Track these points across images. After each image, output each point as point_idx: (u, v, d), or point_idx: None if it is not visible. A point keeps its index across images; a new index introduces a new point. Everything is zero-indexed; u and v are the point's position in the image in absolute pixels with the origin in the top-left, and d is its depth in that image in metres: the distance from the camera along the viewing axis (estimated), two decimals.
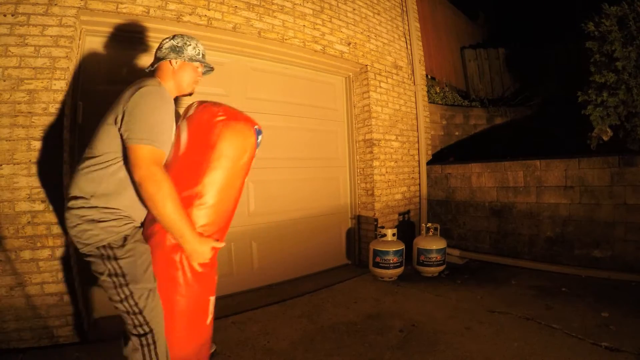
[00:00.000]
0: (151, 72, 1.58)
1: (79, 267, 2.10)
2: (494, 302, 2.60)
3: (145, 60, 2.51)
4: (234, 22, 2.68)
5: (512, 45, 6.58)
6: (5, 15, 1.90)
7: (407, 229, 3.92)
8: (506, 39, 7.03)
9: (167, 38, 1.58)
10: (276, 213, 3.18)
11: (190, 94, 1.63)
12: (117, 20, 2.26)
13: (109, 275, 1.29)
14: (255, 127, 1.51)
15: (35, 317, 1.93)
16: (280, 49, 3.04)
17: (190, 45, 1.56)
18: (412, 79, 4.14)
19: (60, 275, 1.97)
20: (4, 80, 1.88)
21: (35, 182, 1.92)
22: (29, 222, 1.91)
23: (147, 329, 1.31)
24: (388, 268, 3.13)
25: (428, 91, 4.86)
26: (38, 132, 1.93)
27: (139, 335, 1.31)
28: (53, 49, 1.98)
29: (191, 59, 1.55)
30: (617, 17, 3.34)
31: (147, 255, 1.36)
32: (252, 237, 3.04)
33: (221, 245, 1.42)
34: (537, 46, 6.25)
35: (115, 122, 1.31)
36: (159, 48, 1.57)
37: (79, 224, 1.30)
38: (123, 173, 1.33)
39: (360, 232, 3.77)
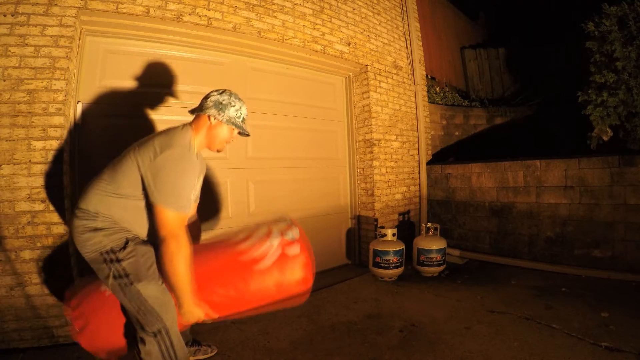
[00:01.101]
0: (194, 114, 1.59)
1: (79, 267, 2.10)
2: (494, 302, 2.60)
3: (144, 60, 2.52)
4: (234, 22, 2.68)
5: (512, 45, 6.58)
6: (5, 15, 1.90)
7: (407, 229, 3.92)
8: (506, 39, 7.03)
9: (216, 91, 1.58)
10: (276, 213, 3.16)
11: (217, 152, 1.62)
12: (117, 20, 2.26)
13: (114, 277, 1.34)
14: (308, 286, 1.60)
15: (35, 317, 1.93)
16: (280, 49, 3.04)
17: (234, 106, 1.54)
18: (412, 79, 4.14)
19: (61, 275, 1.97)
20: (4, 80, 1.88)
21: (35, 182, 1.92)
22: (29, 222, 1.91)
23: (160, 326, 1.36)
24: (388, 268, 3.13)
25: (428, 91, 4.86)
26: (38, 132, 1.93)
27: (154, 334, 1.36)
28: (53, 49, 1.98)
29: (229, 121, 1.53)
30: (617, 17, 3.34)
31: (150, 254, 1.40)
32: None
33: (215, 316, 1.47)
34: (537, 46, 6.25)
35: (139, 169, 1.37)
36: (205, 98, 1.57)
37: (82, 233, 1.37)
38: (134, 206, 1.41)
39: (360, 232, 3.77)
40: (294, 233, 1.62)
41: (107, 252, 1.35)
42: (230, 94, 1.57)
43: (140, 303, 1.34)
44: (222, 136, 1.55)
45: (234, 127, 1.55)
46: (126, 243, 1.37)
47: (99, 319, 1.43)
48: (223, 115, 1.52)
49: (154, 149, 1.37)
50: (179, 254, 1.32)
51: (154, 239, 1.43)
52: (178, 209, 1.34)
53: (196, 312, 1.40)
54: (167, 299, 1.39)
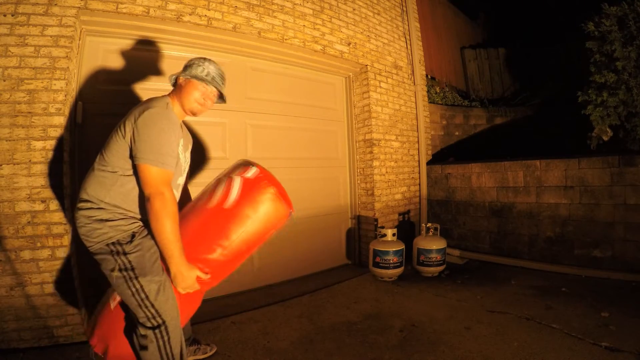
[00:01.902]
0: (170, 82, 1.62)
1: (79, 267, 2.11)
2: (494, 302, 2.60)
3: (144, 60, 2.52)
4: (234, 22, 2.68)
5: (512, 45, 6.58)
6: (5, 15, 1.90)
7: (407, 229, 3.92)
8: (506, 39, 7.04)
9: (190, 59, 1.60)
10: None
11: (193, 115, 1.61)
12: (117, 20, 2.26)
13: (120, 270, 1.35)
14: (291, 212, 1.58)
15: (35, 317, 1.93)
16: (280, 49, 3.04)
17: (200, 66, 1.55)
18: (412, 79, 4.14)
19: (61, 275, 1.97)
20: (4, 80, 1.88)
21: (35, 182, 1.92)
22: (29, 222, 1.91)
23: (160, 321, 1.36)
24: (388, 268, 3.13)
25: (428, 91, 4.86)
26: (38, 132, 1.93)
27: (153, 328, 1.36)
28: (53, 49, 1.98)
29: (194, 77, 1.54)
30: (617, 17, 3.34)
31: (154, 250, 1.41)
32: None
33: (207, 277, 1.43)
34: (537, 46, 6.26)
35: (124, 137, 1.38)
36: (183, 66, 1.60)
37: (88, 224, 1.36)
38: (131, 185, 1.40)
39: (360, 232, 3.77)
40: (253, 170, 1.55)
41: (113, 244, 1.35)
42: (199, 58, 1.59)
43: (142, 298, 1.34)
44: (193, 95, 1.54)
45: (198, 81, 1.53)
46: (133, 236, 1.38)
47: (117, 337, 1.44)
48: (188, 73, 1.54)
49: (134, 114, 1.39)
50: (165, 211, 1.30)
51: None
52: (160, 165, 1.33)
53: (187, 273, 1.35)
54: (168, 295, 1.39)
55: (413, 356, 1.90)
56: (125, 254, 1.35)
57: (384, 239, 3.23)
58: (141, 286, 1.34)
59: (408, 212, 4.01)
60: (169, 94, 1.58)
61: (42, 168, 1.93)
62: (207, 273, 1.42)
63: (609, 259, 3.00)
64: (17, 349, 1.90)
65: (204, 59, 1.59)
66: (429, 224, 3.44)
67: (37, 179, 1.92)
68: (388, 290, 2.97)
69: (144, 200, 1.39)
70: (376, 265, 3.17)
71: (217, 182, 1.57)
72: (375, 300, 2.73)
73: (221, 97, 1.65)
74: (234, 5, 2.69)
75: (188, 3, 2.46)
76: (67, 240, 1.99)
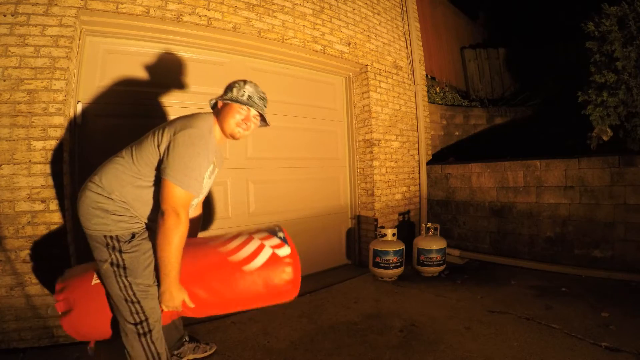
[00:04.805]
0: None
1: None
2: (494, 302, 2.60)
3: (144, 60, 2.52)
4: (234, 22, 2.68)
5: (512, 45, 6.58)
6: (5, 15, 1.90)
7: (407, 229, 3.92)
8: (506, 39, 7.04)
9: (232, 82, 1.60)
10: (276, 213, 3.18)
11: (234, 139, 1.59)
12: (117, 20, 2.26)
13: (111, 264, 1.34)
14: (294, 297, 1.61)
15: (35, 317, 1.93)
16: (280, 49, 3.04)
17: (236, 87, 1.54)
18: (412, 79, 4.14)
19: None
20: (4, 80, 1.88)
21: (35, 182, 1.92)
22: (29, 222, 1.91)
23: (143, 317, 1.37)
24: (388, 268, 3.13)
25: (428, 91, 4.86)
26: (38, 132, 1.93)
27: (135, 324, 1.36)
28: (53, 49, 1.98)
29: (231, 99, 1.52)
30: (617, 17, 3.34)
31: (150, 254, 1.40)
32: None
33: (191, 305, 1.42)
34: (537, 46, 6.26)
35: (158, 146, 1.39)
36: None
37: (92, 208, 1.36)
38: (146, 190, 1.41)
39: (360, 232, 3.77)
40: (281, 234, 1.59)
41: (111, 238, 1.35)
42: (239, 81, 1.58)
43: (129, 293, 1.34)
44: (232, 118, 1.53)
45: (237, 104, 1.52)
46: (132, 236, 1.38)
47: (85, 306, 1.42)
48: (226, 96, 1.54)
49: (176, 127, 1.39)
50: (175, 230, 1.30)
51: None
52: (185, 187, 1.33)
53: (176, 294, 1.35)
54: (153, 294, 1.39)
55: (413, 356, 1.90)
56: (121, 251, 1.34)
57: (384, 239, 3.23)
58: (130, 284, 1.34)
59: (408, 212, 4.01)
60: (214, 115, 1.56)
61: (42, 168, 1.93)
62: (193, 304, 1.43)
63: (609, 259, 3.00)
64: (17, 349, 1.90)
65: (244, 81, 1.57)
66: (429, 224, 3.44)
67: (37, 179, 1.92)
68: (388, 290, 2.97)
69: (153, 208, 1.40)
70: (376, 265, 3.17)
71: (249, 238, 1.55)
72: (375, 300, 2.73)
73: (263, 120, 1.62)
74: (234, 5, 2.69)
75: (188, 3, 2.46)
76: (67, 240, 1.99)
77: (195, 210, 1.83)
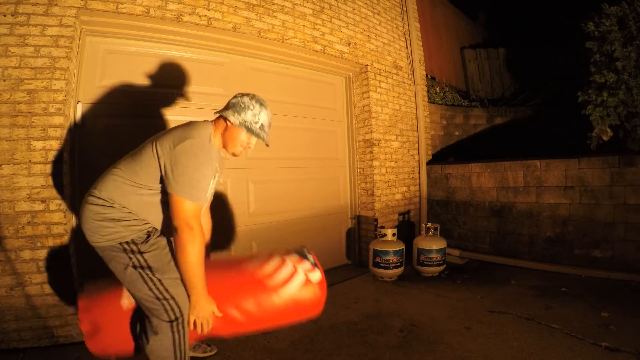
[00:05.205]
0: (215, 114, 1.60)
1: (79, 268, 2.11)
2: (494, 302, 2.60)
3: (144, 60, 2.52)
4: (234, 22, 2.68)
5: (512, 45, 6.58)
6: (5, 15, 1.89)
7: (407, 229, 3.92)
8: (506, 39, 7.04)
9: (241, 94, 1.57)
10: (276, 213, 3.18)
11: (233, 156, 1.61)
12: (117, 20, 2.25)
13: (134, 267, 1.34)
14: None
15: (35, 317, 1.93)
16: (280, 49, 3.04)
17: (251, 110, 1.51)
18: (412, 78, 4.14)
19: (60, 275, 1.97)
20: (4, 80, 1.88)
21: (35, 182, 1.92)
22: (29, 222, 1.91)
23: (178, 314, 1.36)
24: (388, 268, 3.13)
25: (428, 91, 4.86)
26: (38, 132, 1.93)
27: (171, 321, 1.35)
28: (53, 49, 1.98)
29: (242, 124, 1.51)
30: (617, 17, 3.34)
31: (168, 249, 1.42)
32: (252, 237, 3.04)
33: (219, 314, 1.43)
34: (537, 46, 6.26)
35: (158, 159, 1.37)
36: (231, 98, 1.57)
37: (97, 221, 1.35)
38: (150, 199, 1.41)
39: (360, 232, 3.77)
40: (311, 257, 1.67)
41: (127, 243, 1.35)
42: (253, 97, 1.54)
43: (160, 291, 1.34)
44: (237, 140, 1.53)
45: (247, 132, 1.52)
46: (148, 236, 1.39)
47: (114, 330, 1.44)
48: (237, 118, 1.50)
49: (174, 138, 1.38)
50: (192, 244, 1.31)
51: (168, 234, 1.44)
52: (194, 200, 1.33)
53: (205, 304, 1.37)
54: (184, 290, 1.39)
55: (413, 356, 1.90)
56: (141, 252, 1.35)
57: (384, 239, 3.23)
58: (160, 280, 1.34)
59: (408, 212, 4.01)
60: (212, 122, 1.55)
61: (42, 168, 1.93)
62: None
63: (609, 259, 3.00)
64: (17, 349, 1.90)
65: (258, 102, 1.55)
66: (429, 224, 3.44)
67: (37, 179, 1.92)
68: (388, 290, 2.97)
69: (158, 213, 1.41)
70: (376, 265, 3.17)
71: (282, 261, 1.60)
72: (375, 300, 2.73)
73: (266, 144, 1.66)
74: (234, 5, 2.69)
75: (188, 3, 2.46)
76: (67, 240, 1.99)
77: (203, 217, 1.82)
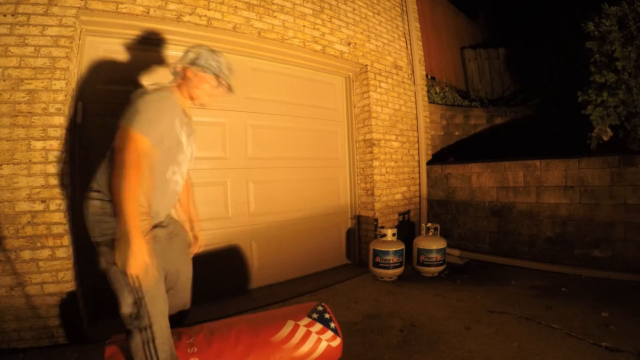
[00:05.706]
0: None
1: (78, 268, 2.11)
2: (494, 302, 2.60)
3: (144, 60, 2.52)
4: (234, 22, 2.68)
5: (512, 45, 6.57)
6: (5, 15, 1.90)
7: (407, 229, 3.92)
8: (506, 39, 7.03)
9: (192, 46, 1.60)
10: (276, 213, 3.18)
11: (201, 106, 1.62)
12: (117, 20, 2.26)
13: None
14: None
15: (35, 317, 1.93)
16: (280, 49, 3.04)
17: (208, 57, 1.55)
18: (412, 79, 4.14)
19: (60, 275, 1.97)
20: (4, 80, 1.88)
21: (35, 182, 1.92)
22: (29, 222, 1.91)
23: (147, 322, 1.34)
24: (388, 268, 3.12)
25: (428, 91, 4.86)
26: (38, 132, 1.93)
27: (140, 329, 1.34)
28: (53, 49, 1.98)
29: (191, 63, 1.53)
30: (617, 17, 3.34)
31: (155, 251, 1.39)
32: (252, 237, 3.04)
33: (154, 273, 1.36)
34: (537, 46, 6.25)
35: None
36: (184, 53, 1.59)
37: (98, 215, 1.36)
38: None
39: (360, 232, 3.77)
40: (332, 324, 1.83)
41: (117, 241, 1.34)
42: (203, 48, 1.58)
43: (139, 296, 1.33)
44: (204, 88, 1.55)
45: (194, 66, 1.52)
46: None
47: None
48: (198, 64, 1.52)
49: (136, 95, 1.41)
50: (134, 168, 1.26)
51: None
52: (144, 134, 1.30)
53: (138, 252, 1.25)
54: (158, 292, 1.38)
55: (413, 356, 1.90)
56: None
57: (384, 239, 3.23)
58: (140, 284, 1.33)
59: (408, 212, 4.01)
60: (170, 84, 1.57)
61: (42, 168, 1.93)
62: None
63: (609, 259, 3.00)
64: (17, 349, 1.90)
65: (211, 50, 1.57)
66: (429, 224, 3.44)
67: (37, 179, 1.92)
68: (388, 290, 2.97)
69: (151, 190, 1.39)
70: (376, 265, 3.17)
71: (307, 333, 1.73)
72: (375, 300, 2.73)
73: (229, 89, 1.64)
74: (234, 5, 2.69)
75: (188, 3, 2.46)
76: (67, 240, 1.99)
77: (184, 189, 1.75)
